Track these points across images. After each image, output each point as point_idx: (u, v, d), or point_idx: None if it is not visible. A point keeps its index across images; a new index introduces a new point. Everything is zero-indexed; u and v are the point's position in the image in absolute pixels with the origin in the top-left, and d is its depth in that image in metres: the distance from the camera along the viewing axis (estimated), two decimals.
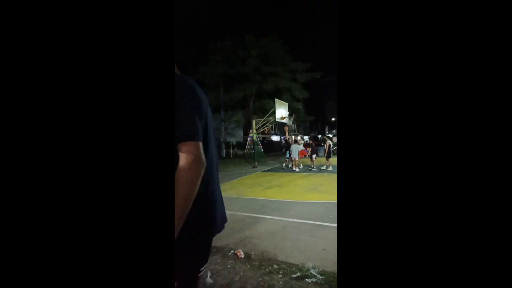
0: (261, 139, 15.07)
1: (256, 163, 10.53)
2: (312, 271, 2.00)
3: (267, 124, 12.90)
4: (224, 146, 18.33)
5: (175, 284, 0.74)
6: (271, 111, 11.41)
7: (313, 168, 8.93)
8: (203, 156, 0.71)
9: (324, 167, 8.79)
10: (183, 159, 0.67)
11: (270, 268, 2.12)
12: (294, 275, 1.97)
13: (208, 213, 0.84)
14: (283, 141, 15.41)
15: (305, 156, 10.83)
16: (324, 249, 2.43)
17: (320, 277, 1.92)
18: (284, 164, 9.81)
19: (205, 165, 0.72)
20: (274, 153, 18.62)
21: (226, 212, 0.98)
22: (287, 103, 12.06)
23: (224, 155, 17.63)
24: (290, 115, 12.60)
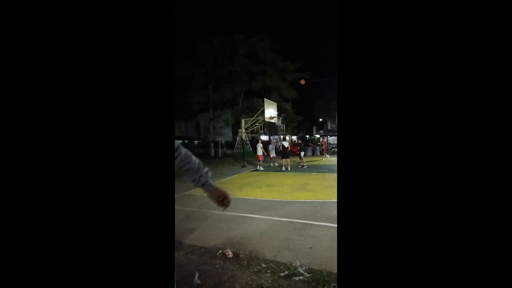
0: (250, 138, 15.01)
1: (245, 163, 10.51)
2: (300, 269, 2.02)
3: (256, 124, 12.89)
4: (213, 145, 18.15)
5: None
6: (260, 110, 11.41)
7: (304, 165, 9.82)
8: None
9: (284, 168, 9.15)
10: None
11: (258, 267, 2.12)
12: (282, 274, 1.99)
13: None
14: None
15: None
16: (311, 248, 2.46)
17: (307, 275, 1.94)
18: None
19: None
20: None
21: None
22: (276, 103, 12.08)
23: (213, 155, 17.46)
24: (279, 115, 12.64)
